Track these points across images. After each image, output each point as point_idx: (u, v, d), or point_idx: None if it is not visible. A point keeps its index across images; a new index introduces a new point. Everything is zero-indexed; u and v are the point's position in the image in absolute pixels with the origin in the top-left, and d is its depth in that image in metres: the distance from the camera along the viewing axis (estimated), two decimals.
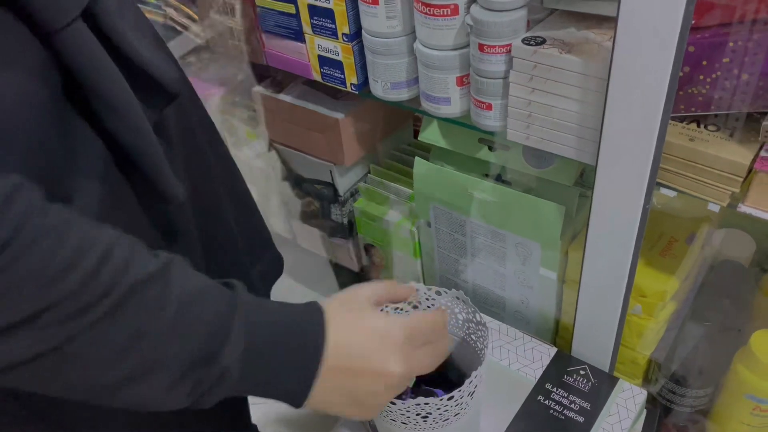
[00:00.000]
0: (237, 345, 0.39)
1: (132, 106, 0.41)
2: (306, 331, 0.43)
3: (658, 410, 0.79)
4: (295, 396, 0.43)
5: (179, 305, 0.37)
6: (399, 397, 0.58)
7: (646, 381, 0.80)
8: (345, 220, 1.00)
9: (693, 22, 0.53)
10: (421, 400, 0.57)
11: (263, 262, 0.72)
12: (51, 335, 0.33)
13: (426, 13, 0.63)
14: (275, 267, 0.76)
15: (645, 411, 0.73)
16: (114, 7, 0.41)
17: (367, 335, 0.46)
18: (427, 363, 0.51)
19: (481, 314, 0.66)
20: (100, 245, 0.34)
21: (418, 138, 0.81)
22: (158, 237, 0.49)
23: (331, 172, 0.94)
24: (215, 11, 0.87)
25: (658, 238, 0.75)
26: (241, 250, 0.64)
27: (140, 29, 0.46)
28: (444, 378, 0.62)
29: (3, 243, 0.30)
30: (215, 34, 0.90)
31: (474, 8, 0.61)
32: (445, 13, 0.63)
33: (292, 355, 0.42)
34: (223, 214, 0.61)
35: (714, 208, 0.58)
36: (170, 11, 0.92)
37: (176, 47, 0.97)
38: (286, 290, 1.28)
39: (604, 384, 0.72)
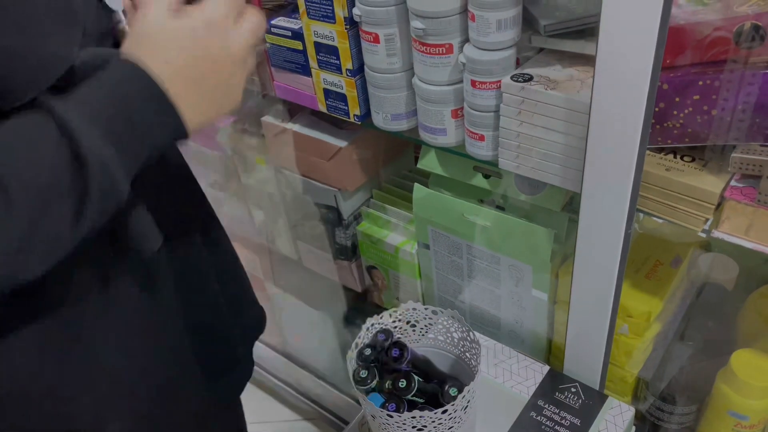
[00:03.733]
0: (98, 147, 0.37)
1: None
2: (125, 77, 0.40)
3: (647, 427, 0.82)
4: (174, 123, 0.42)
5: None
6: (397, 410, 0.62)
7: (636, 399, 0.83)
8: (348, 243, 1.04)
9: (667, 62, 0.58)
10: (416, 413, 0.61)
11: (245, 318, 0.71)
12: None
13: (423, 52, 0.69)
14: (257, 324, 0.75)
15: (634, 428, 0.76)
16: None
17: (175, 32, 0.42)
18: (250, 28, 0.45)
19: (475, 333, 0.69)
20: None
21: (417, 165, 0.86)
22: (133, 290, 0.52)
23: (335, 196, 0.99)
24: None
25: (644, 261, 0.79)
26: (222, 306, 0.64)
27: None
28: (439, 392, 0.66)
29: None
30: None
31: (467, 47, 0.66)
32: (441, 52, 0.68)
33: (140, 104, 0.40)
34: (203, 270, 0.61)
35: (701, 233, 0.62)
36: None
37: None
38: (291, 310, 1.32)
39: (593, 401, 0.75)
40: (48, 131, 0.37)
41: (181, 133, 0.43)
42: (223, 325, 0.65)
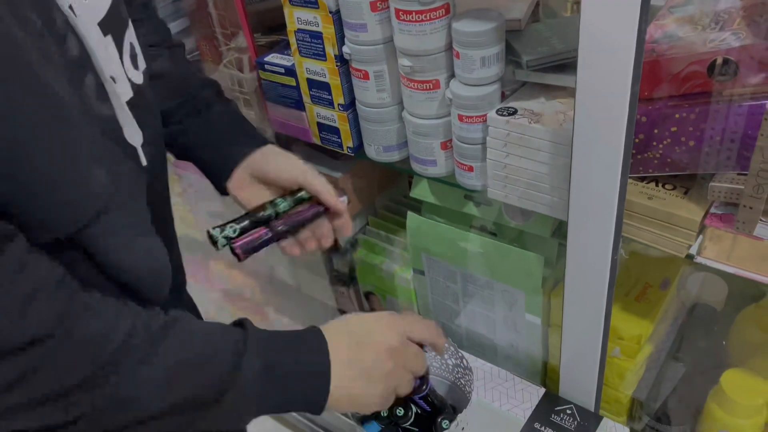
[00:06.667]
0: (251, 376, 0.45)
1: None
2: (308, 335, 0.51)
3: None
4: (319, 389, 0.49)
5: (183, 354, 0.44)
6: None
7: (630, 419, 0.84)
8: (346, 269, 1.05)
9: (645, 94, 0.60)
10: None
11: None
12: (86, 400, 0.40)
13: (411, 87, 0.71)
14: None
15: None
16: (110, 223, 0.42)
17: (365, 317, 0.55)
18: (415, 353, 0.56)
19: (467, 360, 0.71)
20: (120, 327, 0.41)
21: (410, 194, 0.88)
22: None
23: None
24: (226, 65, 0.94)
25: (633, 284, 0.80)
26: None
27: (139, 221, 0.48)
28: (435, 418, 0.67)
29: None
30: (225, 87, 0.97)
31: (453, 83, 0.69)
32: (428, 87, 0.70)
33: (301, 367, 0.49)
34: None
35: None
36: None
37: None
38: None
39: (589, 422, 0.76)
40: (226, 353, 0.45)
41: (314, 412, 0.50)
42: None
